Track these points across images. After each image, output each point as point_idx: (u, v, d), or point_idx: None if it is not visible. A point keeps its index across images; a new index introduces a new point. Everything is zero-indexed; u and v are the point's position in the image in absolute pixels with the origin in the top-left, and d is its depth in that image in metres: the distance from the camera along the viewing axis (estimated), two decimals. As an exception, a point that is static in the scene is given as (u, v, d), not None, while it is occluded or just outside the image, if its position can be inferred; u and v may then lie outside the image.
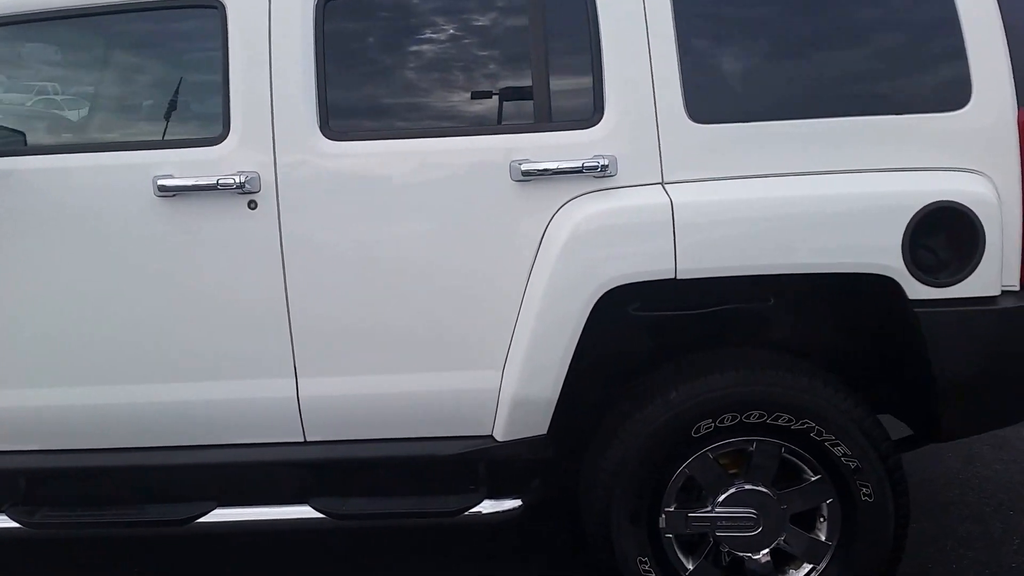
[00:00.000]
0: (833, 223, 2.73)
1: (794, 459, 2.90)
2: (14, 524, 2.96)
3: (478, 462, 3.01)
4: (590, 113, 2.85)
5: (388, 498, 2.99)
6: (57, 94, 3.30)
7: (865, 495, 2.85)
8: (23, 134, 3.15)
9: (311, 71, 2.83)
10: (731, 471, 2.94)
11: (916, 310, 2.75)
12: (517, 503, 2.98)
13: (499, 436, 2.92)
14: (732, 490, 2.91)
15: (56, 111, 3.21)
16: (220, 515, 2.96)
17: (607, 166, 2.78)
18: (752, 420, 2.83)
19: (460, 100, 2.97)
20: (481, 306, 2.87)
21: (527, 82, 2.89)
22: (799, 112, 2.83)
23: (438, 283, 2.86)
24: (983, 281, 2.75)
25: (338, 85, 2.88)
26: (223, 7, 2.84)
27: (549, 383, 2.84)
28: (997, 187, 2.77)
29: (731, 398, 2.82)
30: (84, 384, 2.93)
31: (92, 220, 2.85)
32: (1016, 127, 2.78)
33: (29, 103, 3.24)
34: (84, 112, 3.25)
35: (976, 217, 2.71)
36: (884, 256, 2.73)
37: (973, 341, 2.77)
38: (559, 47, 2.89)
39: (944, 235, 2.75)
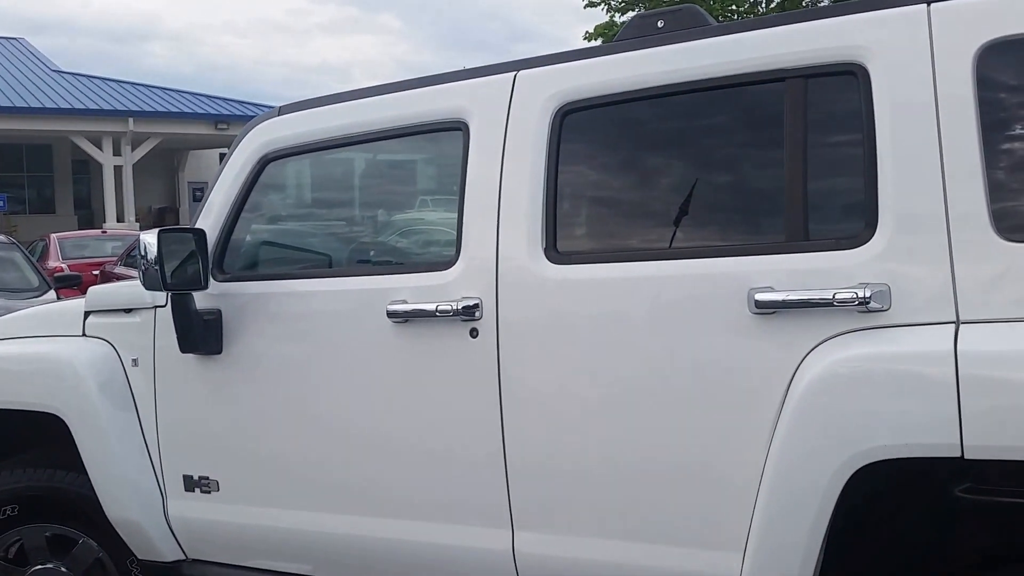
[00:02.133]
0: None
1: None
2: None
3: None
4: (858, 229, 2.18)
5: None
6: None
7: None
8: (328, 256, 3.31)
9: (539, 190, 2.55)
10: None
11: None
12: None
13: (738, 642, 2.28)
14: None
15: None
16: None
17: (869, 299, 2.09)
18: None
19: (696, 216, 2.49)
20: (717, 469, 2.30)
21: (778, 192, 2.31)
22: None
23: (665, 436, 2.36)
24: None
25: (566, 204, 2.56)
26: (467, 128, 2.69)
27: (788, 580, 2.15)
28: None
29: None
30: (321, 510, 2.88)
31: (335, 342, 2.83)
32: None
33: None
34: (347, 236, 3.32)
35: None
36: None
37: None
38: (821, 147, 2.28)
39: None
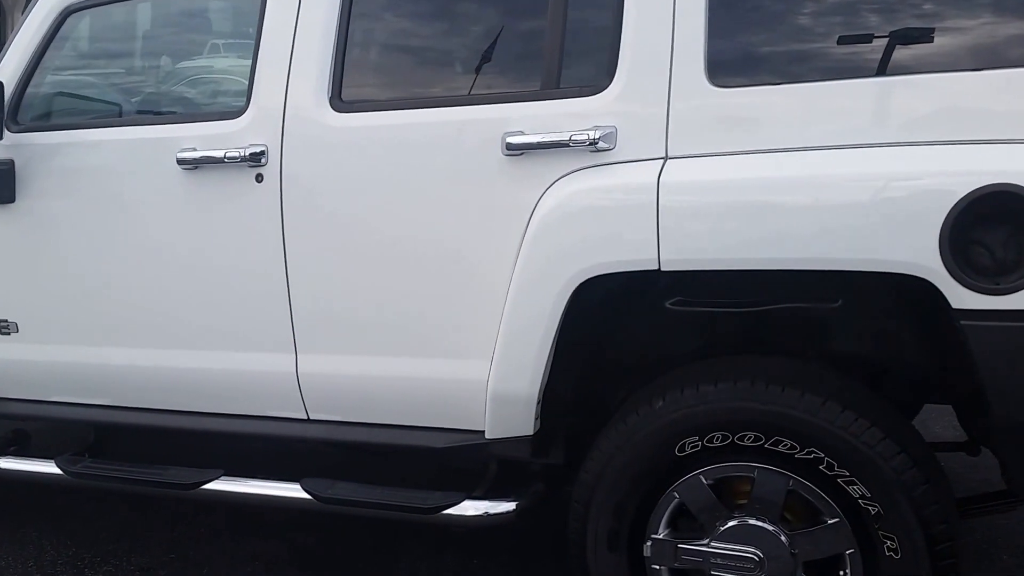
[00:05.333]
0: (842, 210, 2.23)
1: (810, 496, 2.39)
2: (58, 471, 3.19)
3: (473, 459, 2.80)
4: (601, 77, 2.54)
5: (373, 487, 2.86)
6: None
7: (889, 549, 2.29)
8: (122, 106, 3.44)
9: (331, 39, 2.77)
10: (740, 502, 2.49)
11: (964, 323, 2.17)
12: (510, 507, 2.74)
13: (487, 433, 2.69)
14: (732, 523, 2.45)
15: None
16: (221, 484, 3.00)
17: (597, 140, 2.47)
18: (747, 443, 2.37)
19: (468, 67, 2.81)
20: (471, 291, 2.67)
21: (538, 44, 2.64)
22: (841, 72, 2.37)
23: (429, 263, 2.70)
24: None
25: (355, 54, 2.80)
26: None
27: (526, 379, 2.56)
28: None
29: (719, 414, 2.38)
30: (118, 344, 3.10)
31: (126, 188, 3.01)
32: None
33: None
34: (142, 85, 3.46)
35: None
36: (914, 253, 2.18)
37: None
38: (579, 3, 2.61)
39: (1007, 229, 2.14)
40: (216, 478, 3.01)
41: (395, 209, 2.71)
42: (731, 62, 2.44)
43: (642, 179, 2.41)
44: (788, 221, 2.27)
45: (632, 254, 2.41)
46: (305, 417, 2.95)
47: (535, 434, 2.64)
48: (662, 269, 2.39)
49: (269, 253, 2.84)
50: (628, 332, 2.79)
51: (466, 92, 2.74)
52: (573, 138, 2.49)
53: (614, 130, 2.48)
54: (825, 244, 2.24)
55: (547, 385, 2.60)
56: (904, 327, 2.58)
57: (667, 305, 2.60)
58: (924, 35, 2.31)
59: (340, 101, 2.77)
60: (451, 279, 2.69)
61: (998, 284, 2.14)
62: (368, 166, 2.73)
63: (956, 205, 2.13)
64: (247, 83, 2.88)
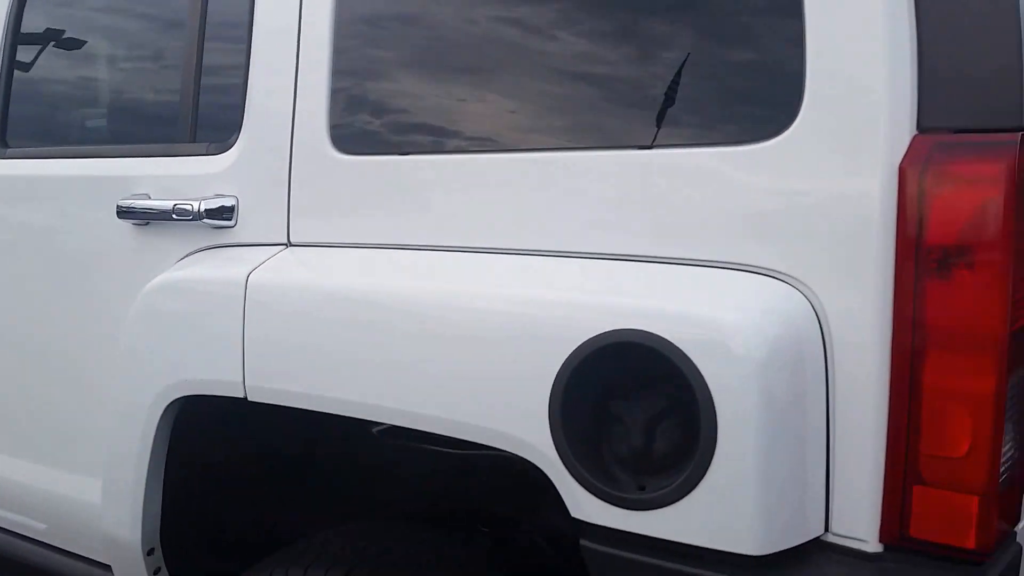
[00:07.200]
0: (440, 346, 1.49)
1: None
2: None
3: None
4: (230, 133, 1.90)
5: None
6: None
7: None
8: None
9: None
10: None
11: (585, 543, 1.38)
12: None
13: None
14: None
15: None
16: None
17: (203, 213, 1.83)
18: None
19: (112, 109, 2.23)
20: (93, 395, 2.07)
21: (174, 93, 2.03)
22: (482, 144, 1.61)
23: (47, 354, 2.17)
24: (715, 512, 1.28)
25: (17, 90, 2.29)
26: None
27: (126, 523, 1.93)
28: (815, 304, 1.29)
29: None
30: None
31: None
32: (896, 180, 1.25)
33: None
34: None
35: (691, 366, 1.26)
36: (516, 423, 1.41)
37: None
38: (216, 46, 1.99)
39: (648, 401, 1.34)
40: None
41: (12, 280, 2.18)
42: (357, 121, 1.73)
43: (233, 274, 1.75)
44: (368, 354, 1.55)
45: (216, 374, 1.75)
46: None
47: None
48: (248, 399, 1.71)
49: None
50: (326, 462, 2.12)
51: (96, 141, 2.17)
52: (178, 207, 1.86)
53: (235, 202, 1.83)
54: (419, 394, 1.51)
55: (194, 520, 1.98)
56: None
57: (374, 432, 1.92)
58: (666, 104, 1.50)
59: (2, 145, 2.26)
60: (70, 380, 2.13)
61: (643, 488, 1.34)
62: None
63: (570, 359, 1.35)
64: None
